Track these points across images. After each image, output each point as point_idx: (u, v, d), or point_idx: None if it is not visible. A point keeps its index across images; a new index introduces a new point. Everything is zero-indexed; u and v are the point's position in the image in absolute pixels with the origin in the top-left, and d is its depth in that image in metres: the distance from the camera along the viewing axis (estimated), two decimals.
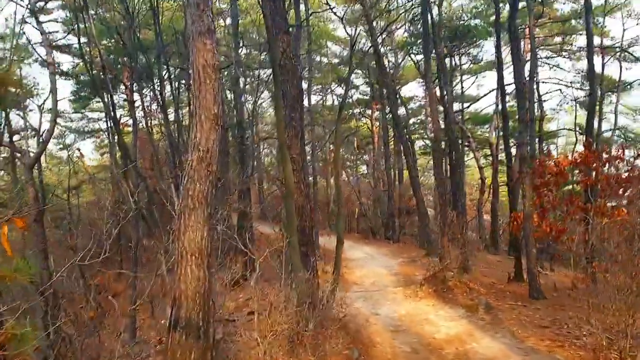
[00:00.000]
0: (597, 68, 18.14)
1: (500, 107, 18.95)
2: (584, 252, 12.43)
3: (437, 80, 28.27)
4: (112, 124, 24.56)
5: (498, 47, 14.02)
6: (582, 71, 24.31)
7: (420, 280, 12.92)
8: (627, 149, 12.14)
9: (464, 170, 28.58)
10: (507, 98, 19.77)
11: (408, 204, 30.68)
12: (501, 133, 32.50)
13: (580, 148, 24.78)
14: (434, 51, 16.00)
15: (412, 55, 25.37)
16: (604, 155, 12.05)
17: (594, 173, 12.49)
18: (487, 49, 56.94)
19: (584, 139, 14.29)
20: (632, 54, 23.01)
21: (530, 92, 17.41)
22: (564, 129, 29.27)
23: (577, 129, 25.77)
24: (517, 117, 33.06)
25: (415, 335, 9.55)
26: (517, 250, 14.00)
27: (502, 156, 34.70)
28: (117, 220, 11.36)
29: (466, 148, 28.78)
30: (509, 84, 16.78)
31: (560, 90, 25.37)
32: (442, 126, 17.85)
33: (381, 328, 10.02)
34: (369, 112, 37.74)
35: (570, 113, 31.67)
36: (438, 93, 29.24)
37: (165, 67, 21.37)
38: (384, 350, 8.86)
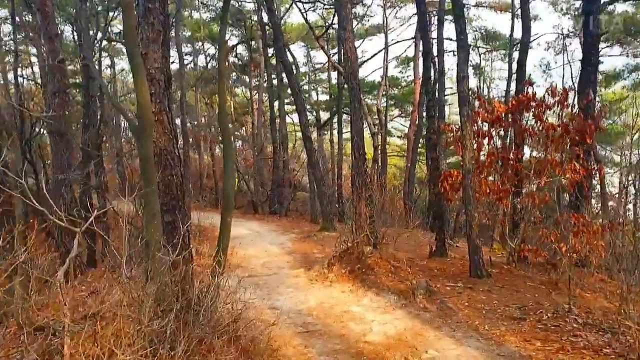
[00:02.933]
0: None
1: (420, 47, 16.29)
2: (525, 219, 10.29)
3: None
4: None
5: None
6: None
7: (329, 259, 9.90)
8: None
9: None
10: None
11: (293, 177, 27.87)
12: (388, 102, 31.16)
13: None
14: None
15: (299, 5, 22.06)
16: (550, 99, 9.81)
17: (534, 121, 10.29)
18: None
19: (516, 82, 12.22)
20: None
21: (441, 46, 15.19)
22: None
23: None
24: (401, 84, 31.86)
25: (339, 339, 6.50)
26: (440, 219, 11.55)
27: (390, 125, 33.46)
28: None
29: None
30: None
31: None
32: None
33: (286, 330, 6.83)
34: (246, 79, 34.24)
35: None
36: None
37: None
38: None
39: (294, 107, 24.10)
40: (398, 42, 30.04)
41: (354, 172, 10.52)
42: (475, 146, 9.39)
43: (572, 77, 22.82)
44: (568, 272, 7.39)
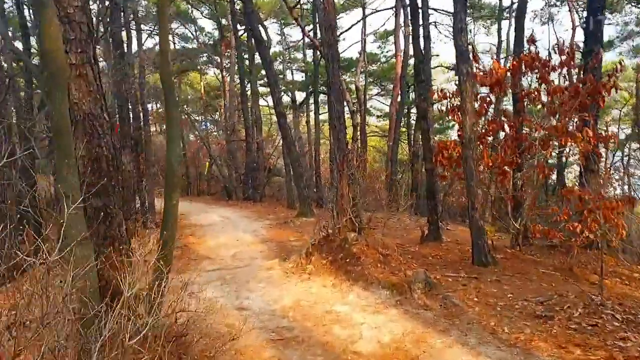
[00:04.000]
0: None
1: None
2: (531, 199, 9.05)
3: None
4: None
5: None
6: None
7: (307, 248, 8.52)
8: None
9: None
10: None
11: (267, 161, 26.33)
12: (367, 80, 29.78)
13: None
14: None
15: None
16: (557, 57, 8.52)
17: (538, 83, 8.98)
18: None
19: (514, 42, 10.93)
20: None
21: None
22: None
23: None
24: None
25: (321, 349, 5.16)
26: (432, 199, 10.22)
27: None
28: None
29: None
30: None
31: None
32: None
33: (255, 339, 5.45)
34: (217, 59, 32.45)
35: None
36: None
37: None
38: None
39: (267, 88, 22.70)
40: (377, 11, 28.70)
41: (334, 146, 9.12)
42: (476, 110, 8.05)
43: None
44: (600, 256, 6.12)
